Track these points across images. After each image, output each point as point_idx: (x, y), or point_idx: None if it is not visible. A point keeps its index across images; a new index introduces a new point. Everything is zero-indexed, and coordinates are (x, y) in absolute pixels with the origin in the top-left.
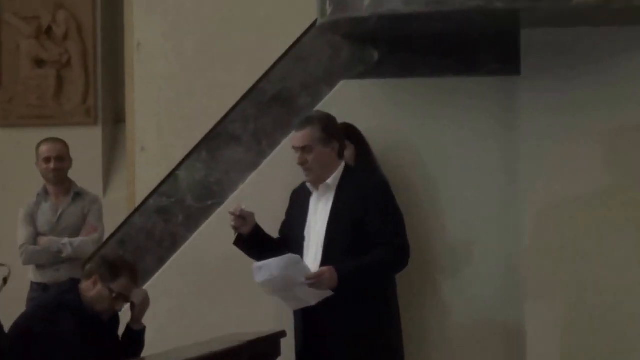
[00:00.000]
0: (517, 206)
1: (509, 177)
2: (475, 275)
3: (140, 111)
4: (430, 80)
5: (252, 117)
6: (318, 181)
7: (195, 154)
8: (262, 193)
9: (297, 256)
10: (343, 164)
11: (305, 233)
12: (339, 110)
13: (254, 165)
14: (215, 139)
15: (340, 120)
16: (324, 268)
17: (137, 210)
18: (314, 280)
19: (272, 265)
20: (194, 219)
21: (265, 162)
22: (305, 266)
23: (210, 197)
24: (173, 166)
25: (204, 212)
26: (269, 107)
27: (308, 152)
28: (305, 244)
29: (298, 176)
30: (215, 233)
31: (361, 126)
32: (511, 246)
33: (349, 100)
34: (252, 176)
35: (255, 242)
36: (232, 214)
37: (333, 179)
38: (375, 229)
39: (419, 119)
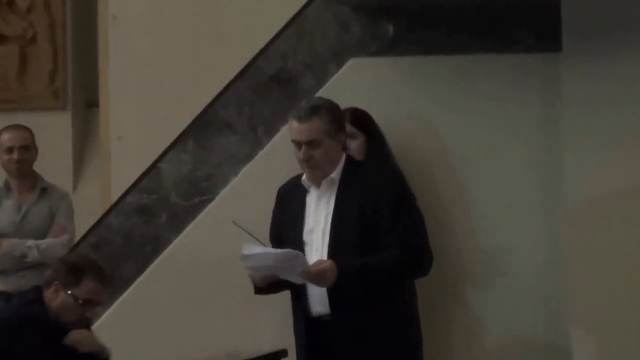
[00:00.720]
0: (557, 207)
1: (548, 173)
2: (509, 286)
3: (116, 94)
4: (454, 59)
5: (247, 101)
6: (322, 178)
7: (180, 144)
8: (257, 189)
9: (299, 252)
10: (344, 156)
11: (305, 237)
12: (348, 93)
13: (249, 157)
14: (204, 127)
15: (349, 104)
16: (326, 265)
17: (113, 208)
18: (313, 278)
19: (267, 257)
20: (180, 219)
21: (262, 153)
22: (304, 261)
23: (198, 193)
24: (155, 157)
25: (191, 211)
26: (267, 89)
27: (315, 146)
28: (307, 248)
29: (299, 169)
30: (203, 235)
31: (373, 112)
32: (551, 253)
33: (360, 82)
34: (246, 169)
35: (278, 284)
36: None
37: (337, 173)
38: (387, 228)
39: (441, 104)
